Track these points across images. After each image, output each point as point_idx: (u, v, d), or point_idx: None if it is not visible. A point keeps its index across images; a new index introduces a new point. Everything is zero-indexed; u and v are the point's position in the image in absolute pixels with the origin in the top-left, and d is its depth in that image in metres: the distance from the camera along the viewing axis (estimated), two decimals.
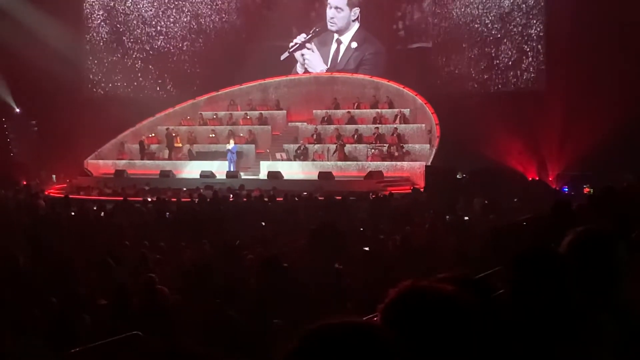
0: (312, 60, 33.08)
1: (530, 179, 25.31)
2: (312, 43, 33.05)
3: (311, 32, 32.91)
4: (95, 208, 19.29)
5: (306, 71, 33.16)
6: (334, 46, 32.83)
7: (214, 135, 30.74)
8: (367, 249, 8.21)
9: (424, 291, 1.86)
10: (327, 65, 32.85)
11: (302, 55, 33.09)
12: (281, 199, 20.24)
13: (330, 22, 32.50)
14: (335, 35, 32.72)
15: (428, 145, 27.67)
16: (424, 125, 28.73)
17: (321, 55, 33.05)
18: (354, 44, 32.44)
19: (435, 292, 1.86)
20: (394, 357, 1.50)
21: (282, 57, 33.11)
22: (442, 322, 1.81)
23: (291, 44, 33.05)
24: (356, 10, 32.25)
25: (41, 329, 6.09)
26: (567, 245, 2.80)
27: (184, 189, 24.92)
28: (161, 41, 34.52)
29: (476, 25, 30.32)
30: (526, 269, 2.61)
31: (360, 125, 29.45)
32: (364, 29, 32.31)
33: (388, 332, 1.54)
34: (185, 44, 34.29)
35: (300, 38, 33.01)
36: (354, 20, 32.38)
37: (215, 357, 1.40)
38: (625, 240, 2.98)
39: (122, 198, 21.55)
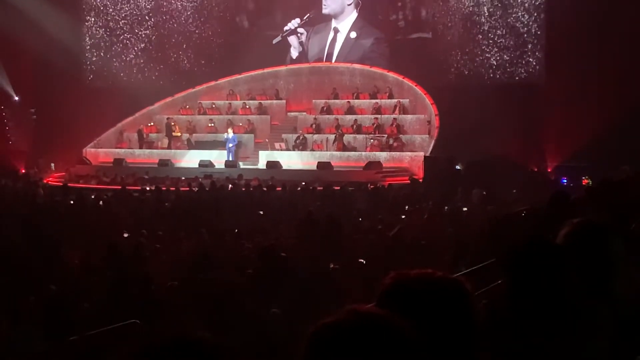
0: (310, 45, 32.91)
1: (529, 170, 25.28)
2: (304, 29, 32.83)
3: (305, 17, 32.76)
4: (93, 197, 19.29)
5: (300, 55, 33.01)
6: (330, 35, 32.65)
7: (212, 124, 30.72)
8: (362, 261, 8.22)
9: (416, 279, 1.86)
10: (324, 54, 32.73)
11: (299, 36, 32.89)
12: (280, 188, 20.25)
13: (324, 4, 32.28)
14: (333, 23, 32.54)
15: (427, 136, 27.63)
16: (423, 115, 28.67)
17: (318, 43, 32.90)
18: (353, 34, 32.26)
19: (427, 279, 1.86)
20: (414, 348, 1.49)
21: (275, 41, 32.96)
22: (437, 306, 1.82)
23: (285, 28, 32.93)
24: None
25: (39, 316, 6.11)
26: (563, 236, 2.81)
27: (183, 178, 24.92)
28: (161, 30, 34.42)
29: (476, 16, 30.23)
30: (523, 260, 2.61)
31: (359, 116, 29.40)
32: (363, 19, 32.15)
33: (403, 321, 1.53)
34: (185, 32, 34.18)
35: (294, 23, 32.86)
36: (349, 5, 32.14)
37: (218, 344, 1.38)
38: (622, 232, 2.98)
39: (120, 187, 21.54)
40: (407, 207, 15.66)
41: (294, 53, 33.09)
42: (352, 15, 32.17)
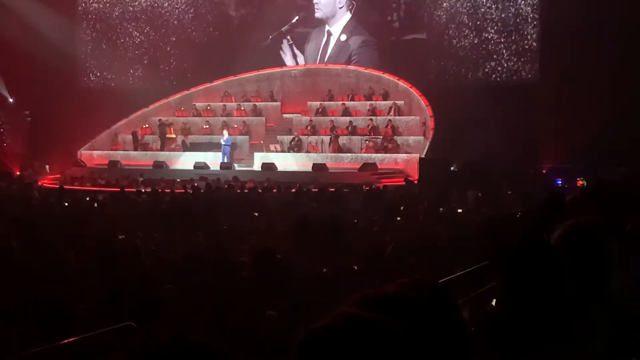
0: (308, 51, 32.97)
1: (524, 171, 25.28)
2: (297, 32, 32.89)
3: (293, 20, 32.81)
4: (88, 199, 19.24)
5: (295, 59, 33.08)
6: (324, 38, 32.73)
7: (208, 126, 30.70)
8: (355, 267, 8.20)
9: (378, 300, 1.71)
10: (317, 57, 32.76)
11: (288, 39, 32.95)
12: (275, 190, 20.24)
13: (317, 8, 32.38)
14: (327, 27, 32.61)
15: (422, 138, 27.68)
16: (418, 117, 28.74)
17: (314, 47, 32.94)
18: (344, 37, 32.33)
19: (391, 298, 1.73)
20: (401, 350, 1.48)
21: (264, 44, 33.03)
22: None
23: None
24: None
25: (34, 318, 6.09)
26: (557, 238, 2.81)
27: (178, 180, 24.89)
28: (156, 32, 34.39)
29: (471, 18, 30.28)
30: (521, 261, 2.61)
31: (354, 117, 29.43)
32: (356, 21, 32.19)
33: (394, 324, 1.50)
34: (180, 34, 34.15)
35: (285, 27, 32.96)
36: (340, 8, 32.19)
37: (214, 346, 1.36)
38: (616, 233, 2.98)
39: (115, 189, 21.50)
40: (402, 207, 15.64)
41: (290, 61, 33.13)
42: (345, 18, 32.22)
